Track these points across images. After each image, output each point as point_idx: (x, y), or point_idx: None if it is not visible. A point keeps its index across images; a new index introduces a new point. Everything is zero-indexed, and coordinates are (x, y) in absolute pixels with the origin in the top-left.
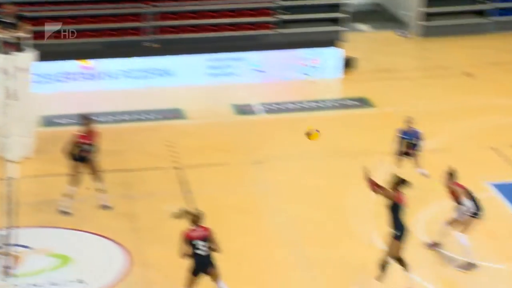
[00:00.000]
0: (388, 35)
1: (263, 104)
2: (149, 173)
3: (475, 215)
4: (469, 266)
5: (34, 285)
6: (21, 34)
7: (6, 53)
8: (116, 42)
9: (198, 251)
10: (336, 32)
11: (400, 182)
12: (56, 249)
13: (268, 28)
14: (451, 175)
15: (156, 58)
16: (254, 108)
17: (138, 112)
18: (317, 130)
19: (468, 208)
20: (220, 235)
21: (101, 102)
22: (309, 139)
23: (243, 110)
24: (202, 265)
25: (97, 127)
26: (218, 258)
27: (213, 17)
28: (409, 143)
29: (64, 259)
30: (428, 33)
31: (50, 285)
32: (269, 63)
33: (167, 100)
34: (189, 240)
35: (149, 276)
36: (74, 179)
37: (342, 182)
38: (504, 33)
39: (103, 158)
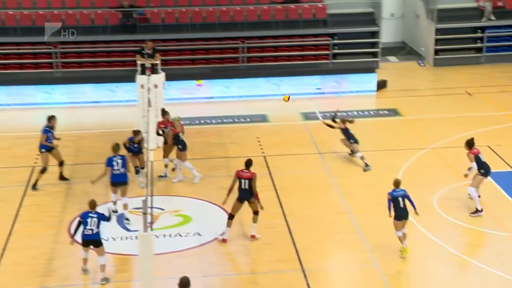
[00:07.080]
0: (410, 65)
1: (321, 112)
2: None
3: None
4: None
5: (164, 235)
6: (155, 61)
7: (146, 74)
8: (219, 68)
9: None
10: (373, 62)
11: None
12: (181, 211)
13: (325, 59)
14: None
15: (248, 79)
16: (317, 115)
17: (236, 117)
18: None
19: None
20: (292, 204)
21: (208, 110)
22: (285, 100)
23: (308, 116)
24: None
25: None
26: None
27: (286, 51)
28: None
29: (186, 218)
30: (439, 63)
31: (176, 236)
32: (326, 84)
33: (256, 108)
34: (238, 178)
35: (244, 230)
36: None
37: (382, 171)
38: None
39: (212, 149)
